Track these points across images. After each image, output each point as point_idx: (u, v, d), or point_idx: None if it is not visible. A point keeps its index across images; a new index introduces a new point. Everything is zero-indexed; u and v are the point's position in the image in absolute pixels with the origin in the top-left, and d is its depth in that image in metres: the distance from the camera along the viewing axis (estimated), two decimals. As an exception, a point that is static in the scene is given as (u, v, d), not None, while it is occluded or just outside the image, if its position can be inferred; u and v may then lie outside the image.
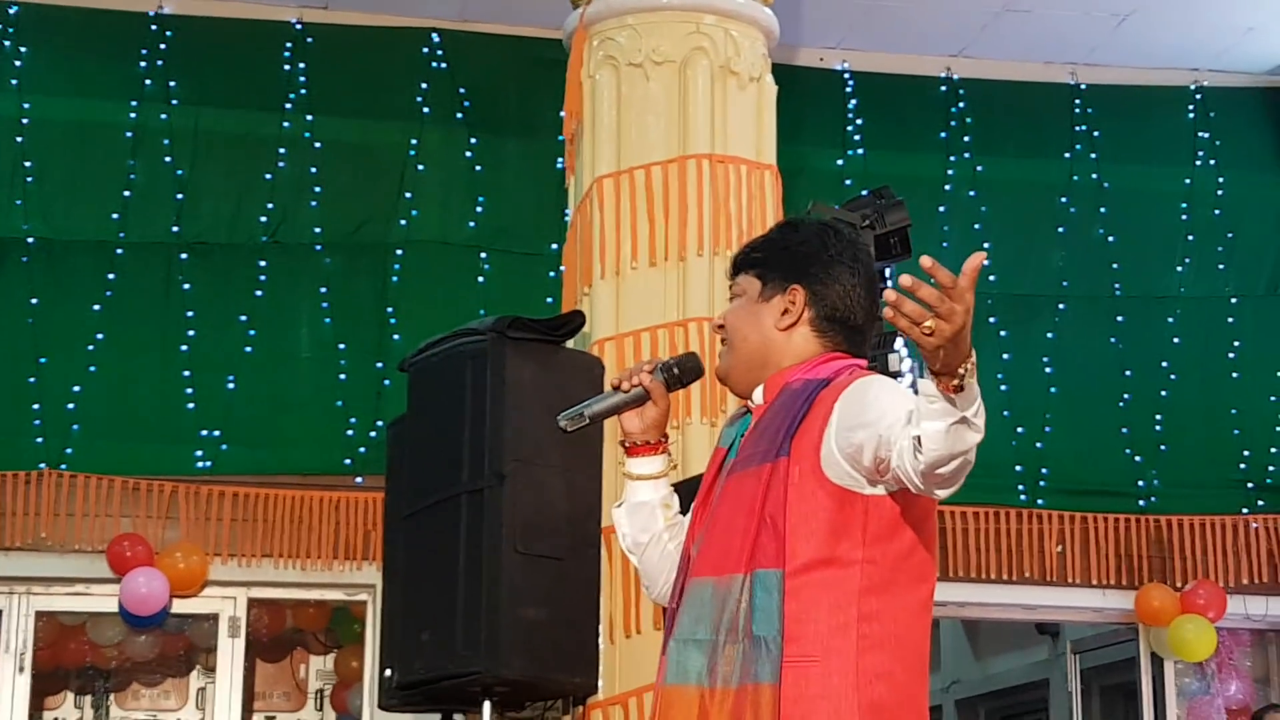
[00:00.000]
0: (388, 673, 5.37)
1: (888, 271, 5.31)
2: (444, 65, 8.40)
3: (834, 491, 2.79)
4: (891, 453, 2.68)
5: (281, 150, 8.20)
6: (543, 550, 5.05)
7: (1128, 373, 8.77)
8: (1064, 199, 8.89)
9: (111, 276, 7.93)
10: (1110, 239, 8.87)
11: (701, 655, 2.83)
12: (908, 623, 2.83)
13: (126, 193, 8.02)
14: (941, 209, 8.73)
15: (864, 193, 5.54)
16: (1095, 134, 8.95)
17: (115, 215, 7.99)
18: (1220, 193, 8.97)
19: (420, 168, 8.30)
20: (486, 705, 5.09)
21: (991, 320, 8.71)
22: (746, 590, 2.80)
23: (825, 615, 2.76)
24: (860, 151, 8.69)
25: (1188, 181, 8.97)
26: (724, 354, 3.07)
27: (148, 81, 8.12)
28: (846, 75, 8.78)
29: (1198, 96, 9.04)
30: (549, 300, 7.73)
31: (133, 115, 8.08)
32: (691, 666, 2.84)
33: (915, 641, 2.85)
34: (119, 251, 7.96)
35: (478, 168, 8.36)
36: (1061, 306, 8.80)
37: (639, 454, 3.16)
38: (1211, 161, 8.99)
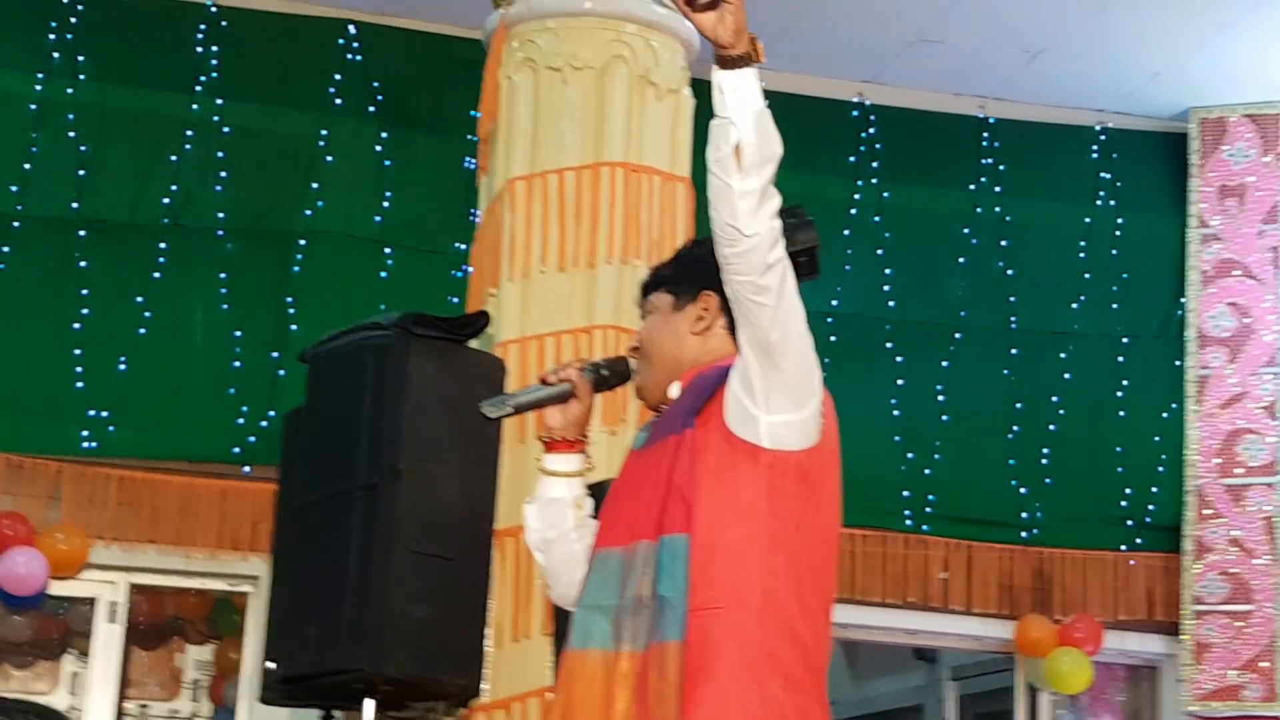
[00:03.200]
0: (270, 665, 5.30)
1: (794, 290, 5.33)
2: (358, 58, 8.35)
3: (739, 446, 2.86)
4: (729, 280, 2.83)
5: (189, 132, 8.10)
6: (434, 549, 5.00)
7: (1018, 405, 8.88)
8: (966, 230, 8.99)
9: (6, 249, 7.79)
10: (1009, 272, 8.98)
11: (606, 620, 2.88)
12: (811, 580, 2.89)
13: (27, 165, 7.89)
14: (846, 232, 8.80)
15: (773, 210, 5.57)
16: (1001, 167, 9.05)
17: (14, 188, 7.86)
18: (1119, 233, 9.10)
19: (329, 159, 8.24)
20: (369, 703, 5.04)
21: (888, 346, 8.79)
22: (654, 556, 2.85)
23: (730, 567, 2.82)
24: (769, 170, 8.71)
25: (1088, 220, 9.10)
26: (641, 368, 3.11)
27: (55, 54, 8.00)
28: (760, 94, 8.81)
29: (1102, 137, 9.17)
30: (452, 299, 7.70)
31: (38, 88, 7.96)
32: (595, 631, 2.89)
33: (819, 599, 2.91)
34: (15, 225, 7.83)
35: (387, 162, 8.31)
36: (958, 336, 8.90)
37: (557, 450, 3.21)
38: (1112, 202, 9.13)
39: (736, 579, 2.81)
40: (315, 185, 8.19)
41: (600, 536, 3.01)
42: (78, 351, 7.78)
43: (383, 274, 8.19)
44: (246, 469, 7.82)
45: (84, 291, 7.84)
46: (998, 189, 9.03)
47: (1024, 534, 8.77)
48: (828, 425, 2.92)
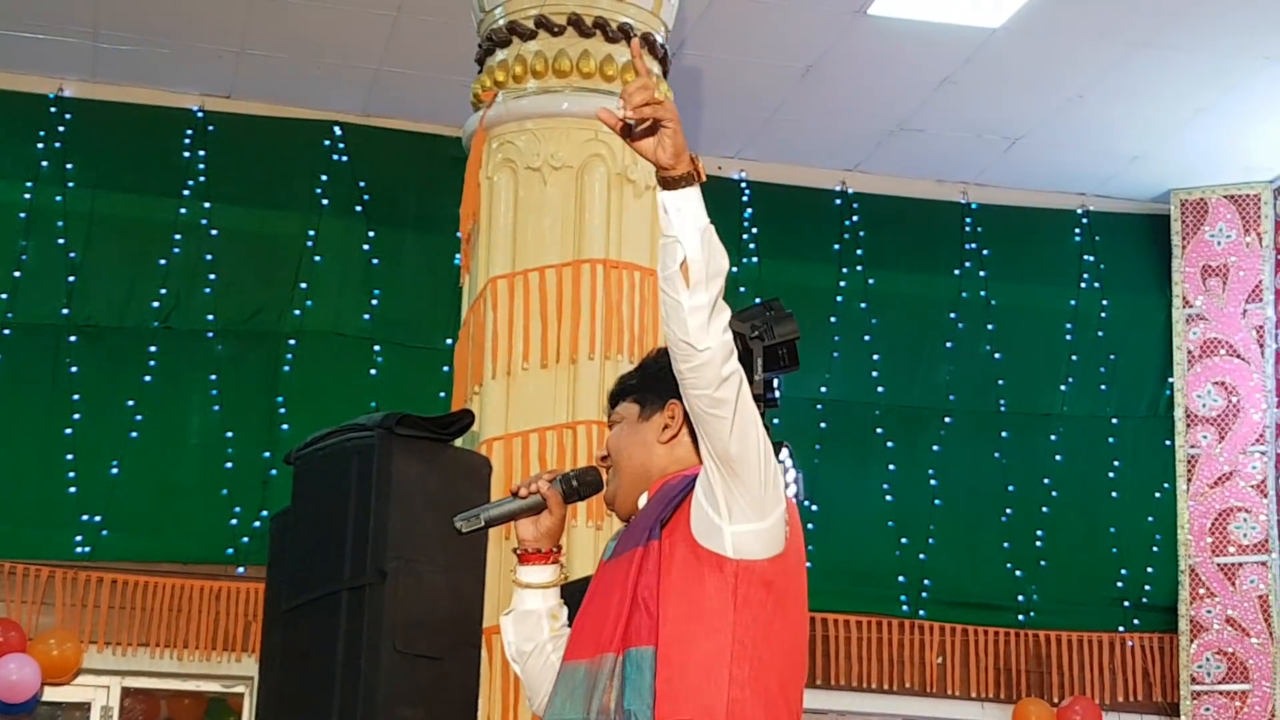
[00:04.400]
0: (260, 769, 5.29)
1: (775, 382, 5.36)
2: (345, 158, 8.44)
3: (705, 557, 2.87)
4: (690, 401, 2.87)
5: (177, 236, 8.18)
6: (422, 650, 5.00)
7: (1010, 488, 8.90)
8: (953, 315, 9.04)
9: (-2, 356, 7.86)
10: (996, 356, 9.03)
11: None
12: (778, 690, 2.89)
13: (17, 273, 7.97)
14: (833, 319, 8.85)
15: (756, 302, 5.62)
16: (985, 252, 9.12)
17: (4, 295, 7.93)
18: (1104, 315, 9.16)
19: (317, 259, 8.31)
20: (359, 805, 5.03)
21: (878, 431, 8.82)
22: (619, 669, 2.86)
23: (696, 679, 2.83)
24: (755, 260, 8.80)
25: (1073, 303, 9.16)
26: (611, 479, 3.13)
27: (44, 163, 8.09)
28: (743, 184, 8.91)
29: (1084, 220, 9.24)
30: (441, 395, 7.73)
31: (27, 196, 8.05)
32: None
33: (786, 709, 2.91)
34: (6, 332, 7.89)
35: (374, 260, 8.38)
36: (948, 420, 8.93)
37: (530, 562, 3.22)
38: (1096, 284, 9.19)
39: (702, 692, 2.82)
40: (304, 285, 8.26)
41: (568, 649, 3.03)
42: (70, 456, 7.82)
43: (373, 371, 8.23)
44: (240, 569, 7.84)
45: (75, 396, 7.89)
46: (982, 273, 9.09)
47: (1020, 617, 8.76)
48: (792, 533, 2.94)
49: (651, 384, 3.13)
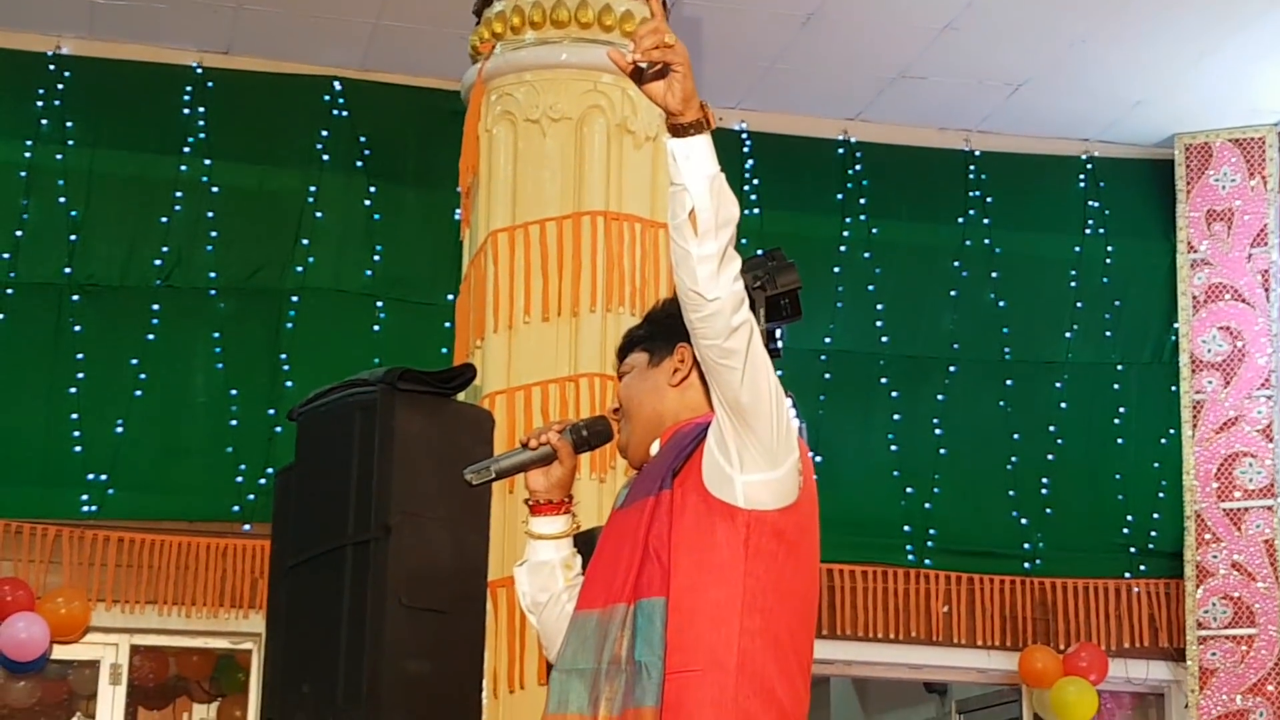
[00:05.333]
0: (268, 724, 5.31)
1: (778, 333, 5.35)
2: (345, 113, 8.41)
3: (716, 507, 2.87)
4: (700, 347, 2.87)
5: (178, 194, 8.15)
6: (427, 603, 5.01)
7: (1015, 436, 8.89)
8: (956, 263, 9.01)
9: (1, 316, 7.84)
10: (1001, 304, 9.00)
11: (583, 684, 2.89)
12: (788, 640, 2.89)
13: (18, 232, 7.95)
14: (836, 270, 8.83)
15: (758, 253, 5.62)
16: (988, 200, 9.09)
17: (6, 255, 7.91)
18: (1109, 261, 9.13)
19: (318, 215, 8.28)
20: (367, 759, 5.04)
21: (883, 381, 8.81)
22: (630, 619, 2.86)
23: (707, 629, 2.83)
24: (757, 211, 8.77)
25: (1077, 249, 9.13)
26: (623, 427, 3.13)
27: (44, 121, 8.06)
28: (744, 135, 8.87)
29: (1088, 166, 9.20)
30: (444, 350, 7.72)
31: (27, 155, 8.02)
32: (573, 696, 2.91)
33: (795, 659, 2.91)
34: (9, 291, 7.88)
35: (376, 216, 8.35)
36: (952, 369, 8.91)
37: (542, 513, 3.22)
38: (1101, 230, 9.15)
39: (712, 642, 2.82)
40: (305, 242, 8.24)
41: (580, 598, 3.03)
42: (74, 415, 7.82)
43: (375, 328, 8.22)
44: (246, 527, 7.85)
45: (79, 355, 7.88)
46: (986, 221, 9.06)
47: (1026, 565, 8.77)
48: (806, 484, 2.93)
49: (660, 331, 3.13)
